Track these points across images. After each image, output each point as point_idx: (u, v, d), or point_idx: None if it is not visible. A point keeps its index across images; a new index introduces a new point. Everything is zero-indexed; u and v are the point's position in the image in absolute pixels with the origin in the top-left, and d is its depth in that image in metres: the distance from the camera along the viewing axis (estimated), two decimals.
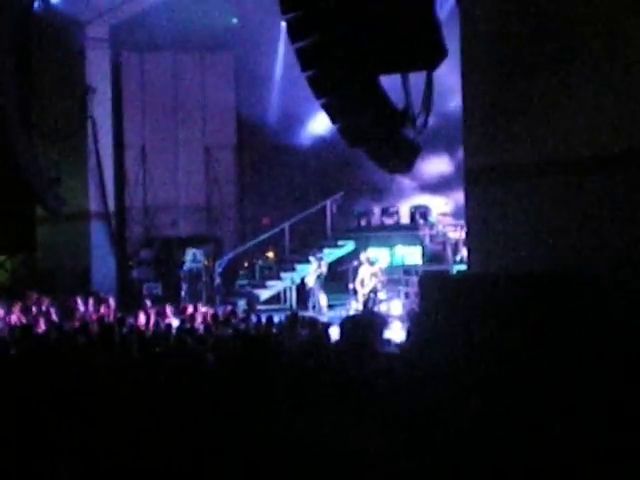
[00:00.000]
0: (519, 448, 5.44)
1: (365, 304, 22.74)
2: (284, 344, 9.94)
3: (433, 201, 27.66)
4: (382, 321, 12.69)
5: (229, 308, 21.30)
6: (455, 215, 25.35)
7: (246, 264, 29.62)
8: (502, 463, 5.38)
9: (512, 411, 6.08)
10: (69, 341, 11.71)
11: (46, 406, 7.60)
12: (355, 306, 23.02)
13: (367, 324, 7.90)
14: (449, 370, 7.77)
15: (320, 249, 27.12)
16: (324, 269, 25.24)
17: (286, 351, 9.75)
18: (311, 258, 25.85)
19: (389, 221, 28.65)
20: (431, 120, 14.58)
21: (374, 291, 23.13)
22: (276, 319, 17.04)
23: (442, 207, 26.95)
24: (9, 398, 7.94)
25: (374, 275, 23.30)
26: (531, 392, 6.74)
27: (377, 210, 29.21)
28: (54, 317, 19.30)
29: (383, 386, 6.57)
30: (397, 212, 28.56)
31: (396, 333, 15.39)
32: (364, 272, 23.50)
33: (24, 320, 18.38)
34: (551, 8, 11.93)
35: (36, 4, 24.84)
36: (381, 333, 8.66)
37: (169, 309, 19.74)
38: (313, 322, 15.53)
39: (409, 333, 11.01)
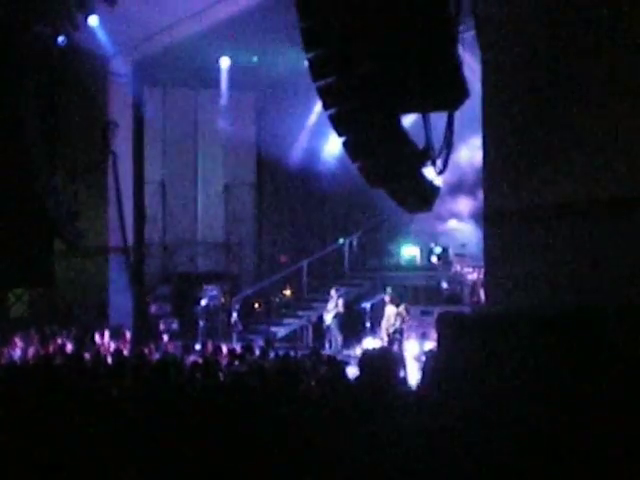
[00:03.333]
0: None
1: (390, 343, 22.59)
2: (304, 380, 9.91)
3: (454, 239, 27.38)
4: (399, 360, 12.65)
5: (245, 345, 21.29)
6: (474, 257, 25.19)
7: (262, 301, 29.52)
8: None
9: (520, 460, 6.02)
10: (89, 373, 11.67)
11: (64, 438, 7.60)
12: (370, 344, 22.83)
13: (383, 362, 7.88)
14: (465, 411, 7.72)
15: (338, 288, 26.96)
16: (341, 308, 25.16)
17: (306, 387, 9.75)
18: (332, 291, 25.72)
19: (406, 261, 28.61)
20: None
21: (399, 331, 23.01)
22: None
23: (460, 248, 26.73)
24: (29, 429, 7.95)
25: (399, 315, 23.20)
26: (550, 436, 6.68)
27: (396, 250, 29.14)
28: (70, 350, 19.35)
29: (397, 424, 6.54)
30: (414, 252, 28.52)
31: (413, 373, 15.34)
32: (389, 312, 23.43)
33: (42, 352, 18.43)
34: (576, 59, 11.97)
35: (59, 40, 25.00)
36: (397, 371, 8.60)
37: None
38: (332, 360, 15.53)
39: (425, 373, 10.94)
